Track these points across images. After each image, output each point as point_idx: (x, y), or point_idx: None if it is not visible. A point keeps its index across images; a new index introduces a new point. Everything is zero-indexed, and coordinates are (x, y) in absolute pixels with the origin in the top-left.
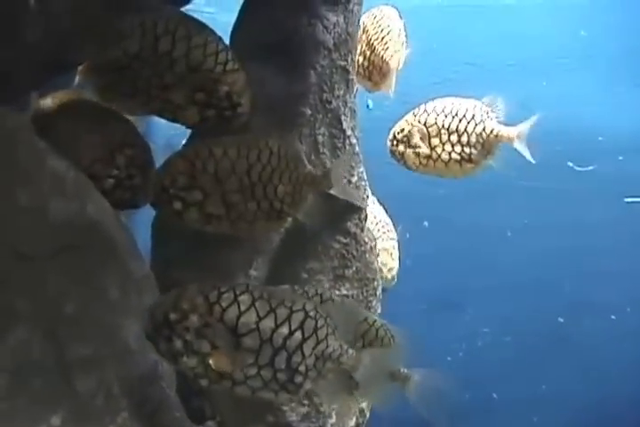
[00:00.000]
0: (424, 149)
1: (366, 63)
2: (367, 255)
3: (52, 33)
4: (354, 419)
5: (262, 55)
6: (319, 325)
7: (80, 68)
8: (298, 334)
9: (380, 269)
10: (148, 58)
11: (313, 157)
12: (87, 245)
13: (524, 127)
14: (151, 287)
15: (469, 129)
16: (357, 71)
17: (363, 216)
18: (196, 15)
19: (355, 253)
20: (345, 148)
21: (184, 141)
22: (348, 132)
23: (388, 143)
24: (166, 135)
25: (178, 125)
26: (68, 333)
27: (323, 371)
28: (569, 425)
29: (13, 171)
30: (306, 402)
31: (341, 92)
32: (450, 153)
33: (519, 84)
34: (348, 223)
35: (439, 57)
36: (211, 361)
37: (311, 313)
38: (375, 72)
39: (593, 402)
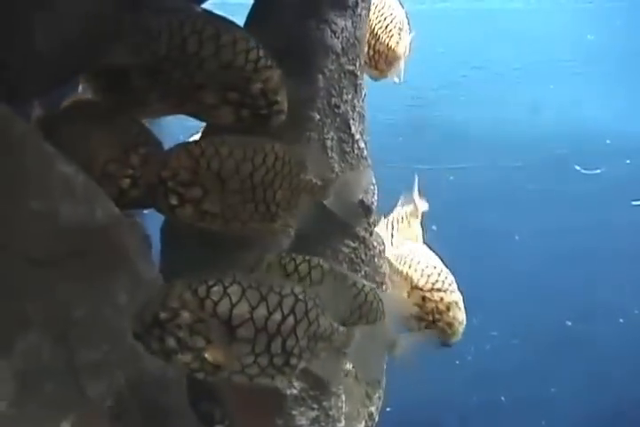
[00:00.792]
0: None
1: (372, 52)
2: (376, 259)
3: (61, 39)
4: (363, 423)
5: None
6: (309, 307)
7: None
8: (290, 319)
9: (450, 324)
10: (177, 59)
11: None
12: (97, 249)
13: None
14: None
15: None
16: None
17: (372, 220)
18: None
19: (363, 257)
20: (353, 152)
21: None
22: (357, 137)
23: None
24: (176, 137)
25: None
26: (78, 337)
27: (315, 351)
28: None
29: (23, 176)
30: (315, 406)
31: (350, 97)
32: None
33: (526, 88)
34: (357, 228)
35: (446, 61)
36: (207, 355)
37: (300, 296)
38: (381, 60)
39: (601, 405)
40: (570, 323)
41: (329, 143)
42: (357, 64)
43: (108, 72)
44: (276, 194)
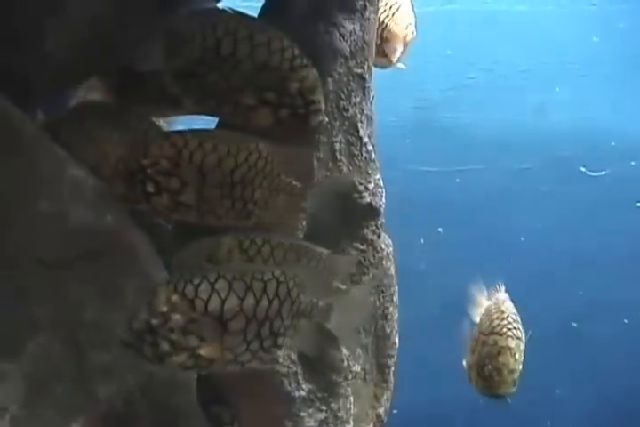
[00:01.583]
0: None
1: (379, 40)
2: (384, 262)
3: (71, 43)
4: (371, 424)
5: None
6: (290, 287)
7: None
8: (276, 302)
9: (498, 370)
10: (212, 61)
11: (330, 164)
12: (107, 252)
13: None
14: None
15: None
16: None
17: (380, 223)
18: None
19: (372, 259)
20: (362, 155)
21: None
22: (365, 140)
23: None
24: None
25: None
26: (88, 339)
27: (298, 328)
28: None
29: (34, 178)
30: (323, 408)
31: (358, 100)
32: None
33: (532, 90)
34: (365, 230)
35: (453, 63)
36: (201, 352)
37: (281, 278)
38: (390, 48)
39: (606, 406)
40: (575, 324)
41: (337, 146)
42: (366, 67)
43: (121, 73)
44: (255, 192)
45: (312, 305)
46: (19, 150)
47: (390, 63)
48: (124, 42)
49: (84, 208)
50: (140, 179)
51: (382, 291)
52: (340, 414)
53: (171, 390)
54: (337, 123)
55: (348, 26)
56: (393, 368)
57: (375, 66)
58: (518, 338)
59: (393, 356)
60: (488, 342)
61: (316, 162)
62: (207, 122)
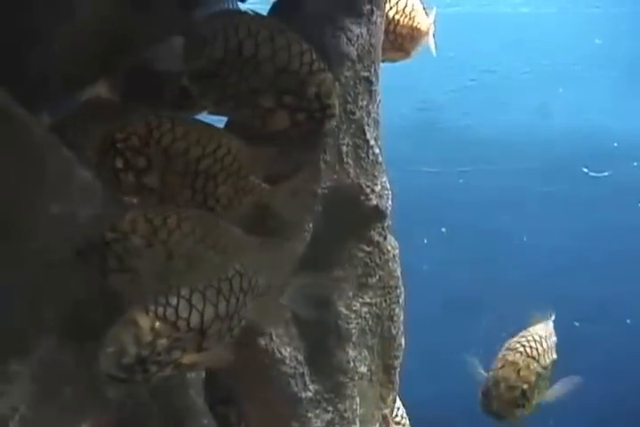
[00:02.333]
0: None
1: (392, 36)
2: (390, 263)
3: (79, 47)
4: (377, 425)
5: None
6: (250, 277)
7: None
8: (242, 296)
9: (496, 384)
10: (234, 63)
11: (337, 167)
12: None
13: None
14: None
15: None
16: (384, 47)
17: (386, 225)
18: None
19: (378, 261)
20: (368, 157)
21: None
22: (372, 143)
23: None
24: None
25: None
26: (97, 341)
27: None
28: None
29: (43, 180)
30: (330, 408)
31: (365, 103)
32: None
33: (535, 92)
34: (371, 232)
35: (456, 65)
36: (183, 361)
37: (242, 270)
38: (406, 42)
39: (609, 406)
40: (577, 324)
41: (344, 149)
42: (372, 70)
43: (131, 75)
44: (218, 188)
45: (268, 287)
46: (28, 152)
47: (407, 55)
48: (135, 43)
49: (93, 210)
50: (112, 153)
51: (388, 292)
52: (346, 415)
53: (179, 391)
54: (344, 126)
55: (355, 30)
56: (399, 369)
57: (393, 61)
58: (532, 357)
59: (399, 357)
60: (499, 358)
61: (323, 164)
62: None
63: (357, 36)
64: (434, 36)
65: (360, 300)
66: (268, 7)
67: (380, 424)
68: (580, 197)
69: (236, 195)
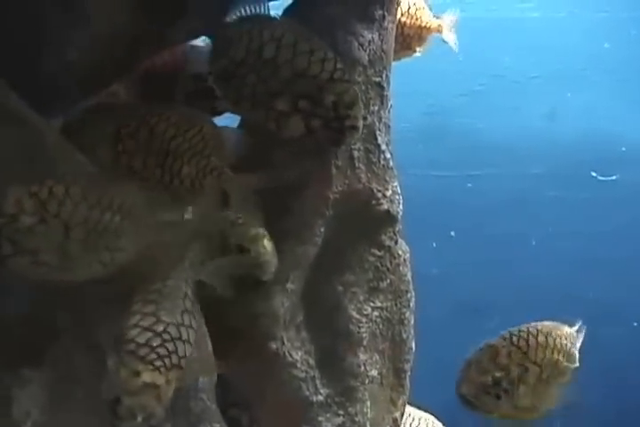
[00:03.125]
0: None
1: (401, 39)
2: (400, 268)
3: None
4: None
5: None
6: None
7: None
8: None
9: (467, 365)
10: (253, 64)
11: (349, 172)
12: None
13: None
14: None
15: None
16: (394, 49)
17: (397, 229)
18: None
19: (389, 265)
20: (379, 162)
21: None
22: (383, 147)
23: None
24: None
25: None
26: (108, 342)
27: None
28: None
29: None
30: (341, 412)
31: (376, 108)
32: None
33: (544, 96)
34: (382, 237)
35: (465, 69)
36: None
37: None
38: (414, 41)
39: (615, 409)
40: (585, 327)
41: (356, 154)
42: (384, 76)
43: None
44: (182, 169)
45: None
46: (40, 157)
47: (414, 53)
48: (150, 47)
49: None
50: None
51: (399, 296)
52: (357, 419)
53: (192, 394)
54: None
55: (367, 35)
56: (409, 373)
57: (398, 59)
58: (518, 347)
59: (409, 360)
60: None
61: (334, 169)
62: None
63: (369, 42)
64: (452, 32)
65: (371, 304)
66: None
67: None
68: (588, 201)
69: (197, 177)
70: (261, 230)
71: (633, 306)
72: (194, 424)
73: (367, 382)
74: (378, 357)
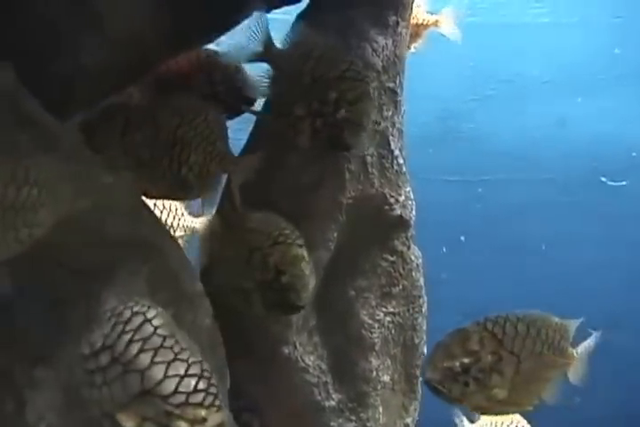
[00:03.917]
0: None
1: None
2: (413, 273)
3: (107, 55)
4: None
5: None
6: None
7: None
8: None
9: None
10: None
11: (362, 177)
12: (139, 261)
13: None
14: (205, 306)
15: None
16: None
17: (409, 235)
18: None
19: (401, 271)
20: (393, 167)
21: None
22: (396, 153)
23: None
24: None
25: None
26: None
27: None
28: None
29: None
30: (353, 418)
31: (390, 113)
32: None
33: (554, 101)
34: (395, 242)
35: (476, 74)
36: None
37: None
38: (410, 38)
39: (627, 414)
40: (594, 332)
41: (369, 159)
42: (397, 81)
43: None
44: (190, 157)
45: None
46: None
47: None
48: (164, 51)
49: (120, 218)
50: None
51: (411, 302)
52: (369, 424)
53: None
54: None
55: (381, 41)
56: (421, 379)
57: None
58: (492, 334)
59: (421, 366)
60: None
61: (347, 174)
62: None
63: (383, 47)
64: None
65: (383, 309)
66: (292, 17)
67: None
68: (598, 206)
69: (204, 163)
70: (301, 251)
71: None
72: None
73: (379, 387)
74: (390, 362)
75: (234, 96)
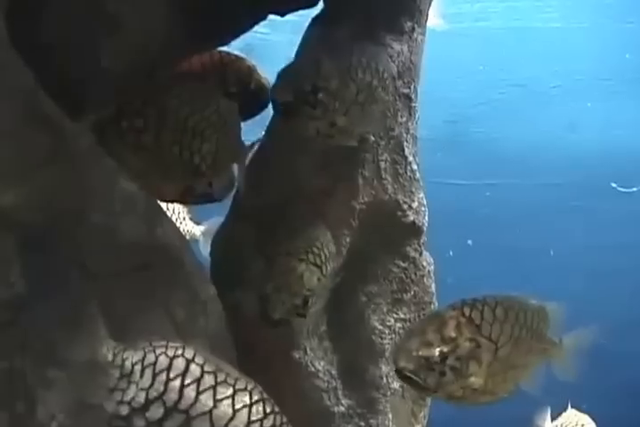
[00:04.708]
0: None
1: None
2: (425, 279)
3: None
4: None
5: None
6: None
7: None
8: None
9: None
10: None
11: (375, 183)
12: (155, 265)
13: None
14: (217, 310)
15: None
16: None
17: (422, 241)
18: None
19: (413, 277)
20: (406, 173)
21: None
22: (410, 159)
23: None
24: None
25: None
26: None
27: None
28: None
29: (85, 190)
30: (362, 424)
31: (404, 119)
32: None
33: (564, 106)
34: (407, 248)
35: (485, 78)
36: None
37: None
38: None
39: (635, 422)
40: (603, 340)
41: (383, 165)
42: (412, 87)
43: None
44: (203, 145)
45: None
46: (71, 163)
47: None
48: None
49: (135, 222)
50: (118, 117)
51: (422, 308)
52: None
53: None
54: (383, 142)
55: (397, 47)
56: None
57: None
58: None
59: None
60: None
61: (361, 180)
62: None
63: (398, 53)
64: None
65: (394, 315)
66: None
67: None
68: (607, 211)
69: (217, 152)
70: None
71: None
72: None
73: (389, 393)
74: None
75: (247, 97)
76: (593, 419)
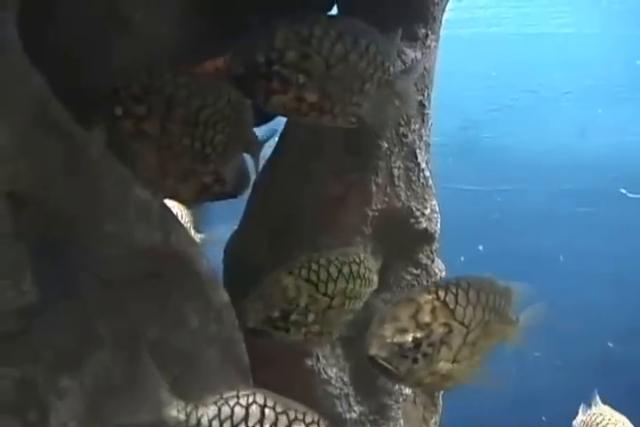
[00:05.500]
0: None
1: None
2: None
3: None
4: None
5: None
6: None
7: None
8: None
9: None
10: None
11: (388, 190)
12: (169, 273)
13: None
14: (231, 317)
15: None
16: None
17: (434, 248)
18: None
19: (425, 284)
20: (419, 180)
21: None
22: (423, 166)
23: None
24: None
25: None
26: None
27: None
28: None
29: (99, 198)
30: None
31: (417, 126)
32: None
33: (575, 112)
34: (420, 255)
35: (498, 84)
36: None
37: None
38: None
39: None
40: (611, 344)
41: (396, 172)
42: (425, 94)
43: None
44: (215, 137)
45: None
46: (84, 170)
47: None
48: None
49: (149, 229)
50: (115, 101)
51: None
52: None
53: None
54: (396, 149)
55: (410, 53)
56: (442, 392)
57: None
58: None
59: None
60: None
61: (374, 187)
62: None
63: (412, 60)
64: None
65: None
66: None
67: None
68: (618, 218)
69: (229, 143)
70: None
71: None
72: None
73: (401, 400)
74: None
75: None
76: None
